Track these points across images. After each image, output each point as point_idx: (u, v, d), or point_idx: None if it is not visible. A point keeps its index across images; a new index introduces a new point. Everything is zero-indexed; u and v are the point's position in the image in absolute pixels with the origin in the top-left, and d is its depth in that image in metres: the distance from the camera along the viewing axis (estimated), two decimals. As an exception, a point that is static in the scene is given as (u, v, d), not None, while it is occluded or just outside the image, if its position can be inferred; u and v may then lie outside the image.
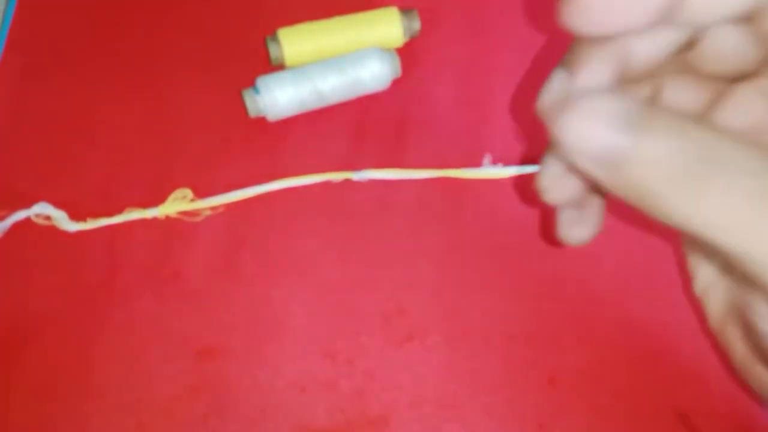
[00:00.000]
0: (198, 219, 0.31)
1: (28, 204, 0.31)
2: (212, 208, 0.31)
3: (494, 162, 0.32)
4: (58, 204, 0.31)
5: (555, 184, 0.21)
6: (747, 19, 0.18)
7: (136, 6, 0.37)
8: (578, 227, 0.25)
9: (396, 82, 0.33)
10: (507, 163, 0.31)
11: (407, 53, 0.34)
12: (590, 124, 0.15)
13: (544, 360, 0.28)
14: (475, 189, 0.31)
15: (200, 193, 0.31)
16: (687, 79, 0.20)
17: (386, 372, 0.28)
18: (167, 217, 0.31)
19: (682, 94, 0.20)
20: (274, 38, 0.33)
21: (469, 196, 0.31)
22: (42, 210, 0.31)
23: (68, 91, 0.34)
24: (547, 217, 0.30)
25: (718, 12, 0.17)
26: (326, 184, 0.32)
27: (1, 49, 0.36)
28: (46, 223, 0.31)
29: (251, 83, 0.32)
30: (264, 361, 0.28)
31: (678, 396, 0.27)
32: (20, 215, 0.31)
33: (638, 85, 0.20)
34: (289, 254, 0.30)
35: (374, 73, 0.32)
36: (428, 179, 0.32)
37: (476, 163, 0.32)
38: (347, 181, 0.32)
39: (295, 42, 0.33)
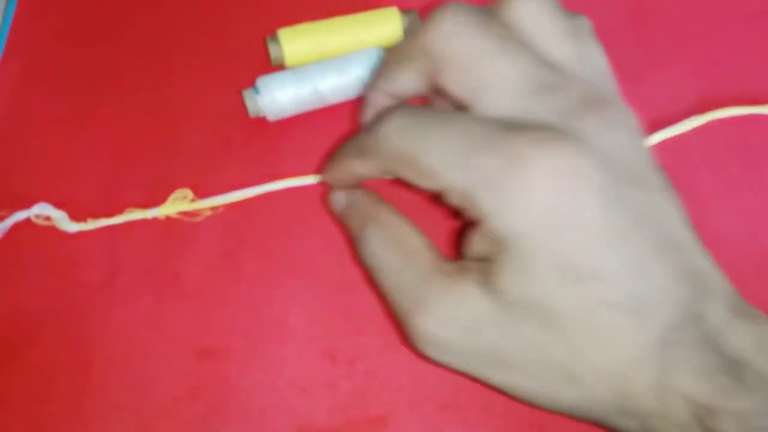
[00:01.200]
0: (198, 219, 0.31)
1: (28, 204, 0.31)
2: (212, 209, 0.31)
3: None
4: (58, 204, 0.31)
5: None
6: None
7: (136, 7, 0.37)
8: None
9: (396, 82, 0.33)
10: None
11: (407, 53, 0.34)
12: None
13: (544, 360, 0.28)
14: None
15: (200, 193, 0.31)
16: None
17: (386, 372, 0.28)
18: (167, 218, 0.31)
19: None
20: (274, 38, 0.33)
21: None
22: (42, 210, 0.31)
23: (68, 92, 0.34)
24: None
25: None
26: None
27: (1, 50, 0.36)
28: (46, 223, 0.31)
29: (251, 83, 0.32)
30: (264, 361, 0.28)
31: (678, 396, 0.27)
32: (20, 215, 0.31)
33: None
34: (289, 254, 0.30)
35: (374, 73, 0.32)
36: (428, 179, 0.32)
37: (476, 163, 0.32)
38: (347, 181, 0.32)
39: (295, 42, 0.33)
